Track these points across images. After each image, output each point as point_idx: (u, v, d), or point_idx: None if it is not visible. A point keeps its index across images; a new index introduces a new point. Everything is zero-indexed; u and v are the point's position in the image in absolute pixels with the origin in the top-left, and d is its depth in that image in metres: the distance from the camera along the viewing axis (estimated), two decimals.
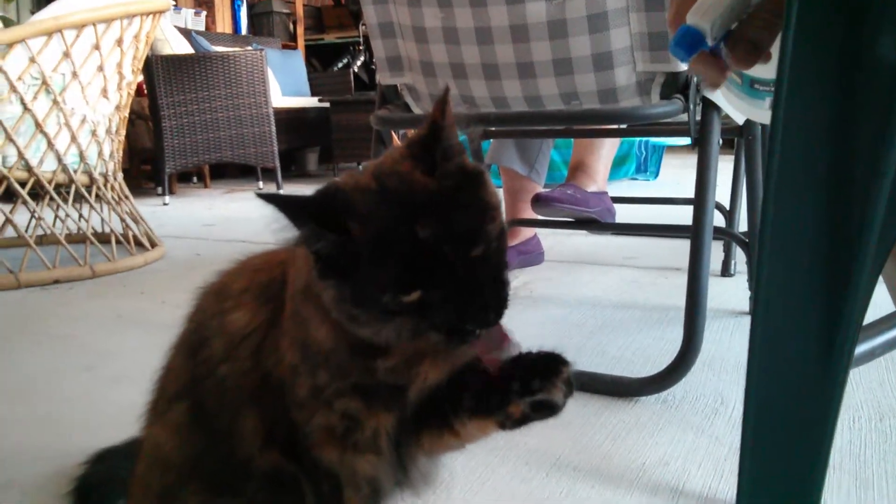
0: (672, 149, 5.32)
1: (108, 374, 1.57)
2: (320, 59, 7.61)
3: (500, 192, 1.05)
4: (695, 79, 1.38)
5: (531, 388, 0.65)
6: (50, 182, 2.46)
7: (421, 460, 0.73)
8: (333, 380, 0.67)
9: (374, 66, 1.75)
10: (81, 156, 2.54)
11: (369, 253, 0.59)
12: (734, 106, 0.85)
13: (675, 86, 1.42)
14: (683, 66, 1.37)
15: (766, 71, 0.72)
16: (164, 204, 4.32)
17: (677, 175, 4.87)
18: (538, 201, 2.17)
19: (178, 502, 0.75)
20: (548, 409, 0.66)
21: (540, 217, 2.25)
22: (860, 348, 0.81)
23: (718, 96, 1.37)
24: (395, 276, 0.59)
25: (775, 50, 0.63)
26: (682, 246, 1.55)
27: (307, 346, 0.67)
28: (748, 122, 1.70)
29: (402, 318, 0.61)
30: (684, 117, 1.45)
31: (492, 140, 2.47)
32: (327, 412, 0.68)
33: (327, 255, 0.61)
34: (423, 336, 0.62)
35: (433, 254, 0.59)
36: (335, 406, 0.68)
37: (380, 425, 0.69)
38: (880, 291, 0.57)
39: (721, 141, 1.48)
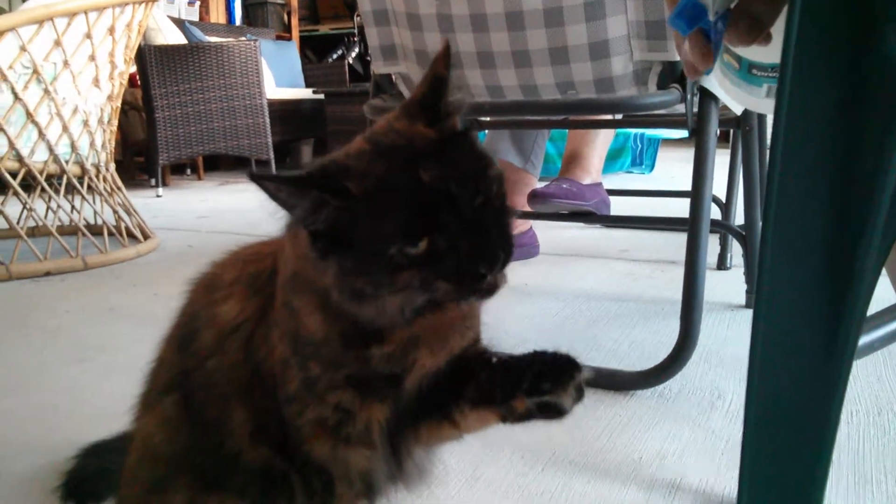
0: (667, 142, 5.30)
1: (99, 366, 1.55)
2: (315, 51, 7.58)
3: None
4: None
5: (541, 388, 0.64)
6: (41, 173, 2.44)
7: (417, 453, 0.72)
8: (326, 371, 0.66)
9: (369, 58, 1.73)
10: (73, 146, 2.51)
11: (371, 207, 0.58)
12: (731, 94, 0.84)
13: (672, 75, 1.40)
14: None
15: (764, 55, 0.71)
16: (158, 196, 4.29)
17: (672, 168, 4.86)
18: (535, 197, 2.17)
19: (168, 495, 0.74)
20: (554, 412, 0.65)
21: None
22: (860, 342, 0.80)
23: (715, 85, 1.35)
24: (400, 226, 0.58)
25: (775, 32, 0.62)
26: (678, 239, 1.54)
27: (298, 337, 0.66)
28: (745, 113, 1.69)
29: (410, 274, 0.59)
30: (681, 108, 1.43)
31: (487, 132, 2.45)
32: (319, 405, 0.67)
33: (326, 230, 0.60)
34: (432, 294, 0.61)
35: (438, 197, 0.58)
36: (328, 399, 0.66)
37: (373, 417, 0.67)
38: (879, 283, 0.56)
39: (718, 132, 1.47)
